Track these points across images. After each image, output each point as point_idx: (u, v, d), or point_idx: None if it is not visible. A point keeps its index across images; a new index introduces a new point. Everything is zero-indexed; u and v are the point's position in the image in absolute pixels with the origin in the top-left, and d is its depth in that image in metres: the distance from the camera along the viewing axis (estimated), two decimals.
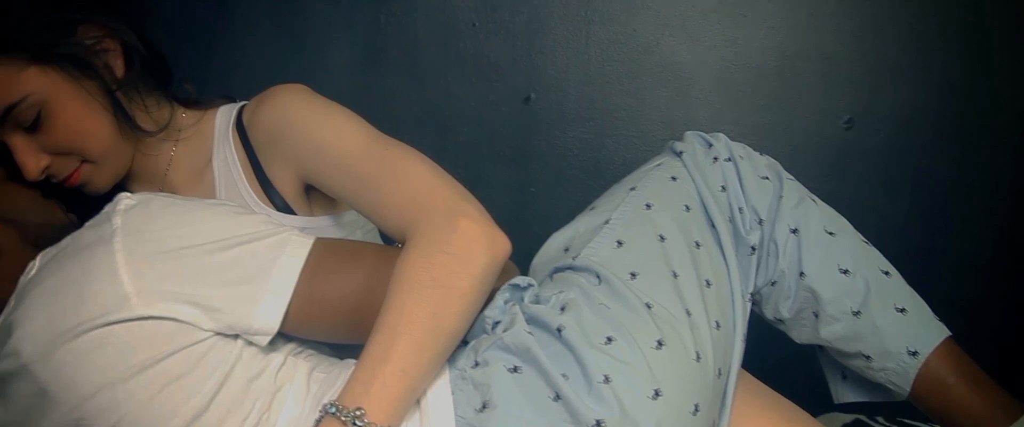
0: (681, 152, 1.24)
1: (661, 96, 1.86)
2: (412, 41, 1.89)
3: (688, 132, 1.28)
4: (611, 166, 1.87)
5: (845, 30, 1.86)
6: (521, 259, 1.74)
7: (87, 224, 0.99)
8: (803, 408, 1.16)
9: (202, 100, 1.29)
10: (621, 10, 1.85)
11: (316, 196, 1.23)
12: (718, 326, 1.07)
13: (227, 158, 1.22)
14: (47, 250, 1.00)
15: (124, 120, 1.15)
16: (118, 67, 1.15)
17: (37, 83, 1.07)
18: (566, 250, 1.17)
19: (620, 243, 1.12)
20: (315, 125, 1.12)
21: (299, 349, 1.05)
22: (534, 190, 1.89)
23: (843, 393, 1.31)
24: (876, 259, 1.22)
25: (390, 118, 1.90)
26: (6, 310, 0.97)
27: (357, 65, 1.92)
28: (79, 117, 1.12)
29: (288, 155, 1.16)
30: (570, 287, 1.06)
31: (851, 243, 1.21)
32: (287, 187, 1.19)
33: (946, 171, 1.88)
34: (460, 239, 0.99)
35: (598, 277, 1.06)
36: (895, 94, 1.86)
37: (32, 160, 1.11)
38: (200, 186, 1.24)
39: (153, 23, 1.93)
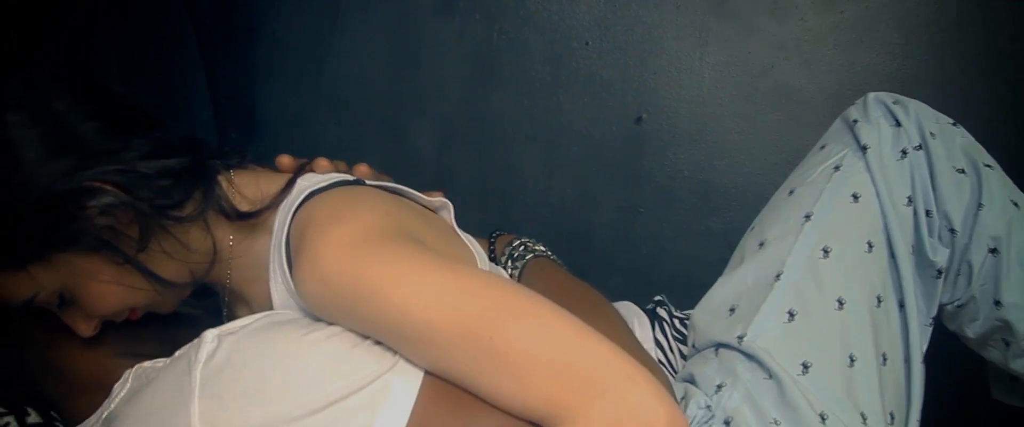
0: (866, 147, 1.10)
1: (774, 120, 1.84)
2: (524, 58, 1.90)
3: (871, 98, 1.15)
4: (721, 189, 1.85)
5: (964, 56, 1.82)
6: (629, 280, 1.74)
7: (176, 354, 0.92)
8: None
9: (251, 213, 1.05)
10: (736, 33, 1.83)
11: None
12: (892, 418, 1.00)
13: (286, 300, 1.02)
14: (139, 368, 0.97)
15: (154, 282, 1.01)
16: (131, 229, 0.98)
17: (42, 280, 0.96)
18: (731, 311, 1.07)
19: (792, 315, 1.02)
20: (387, 304, 0.85)
21: None
22: (643, 211, 1.88)
23: (1009, 396, 1.20)
24: None
25: (500, 135, 1.92)
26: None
27: (468, 81, 1.93)
28: (107, 288, 0.99)
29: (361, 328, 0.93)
30: (736, 383, 0.98)
31: None
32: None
33: None
34: None
35: (768, 373, 0.98)
36: (1014, 122, 1.82)
37: (80, 325, 1.02)
38: (268, 309, 1.06)
39: (266, 37, 1.98)
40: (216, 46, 1.96)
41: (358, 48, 1.96)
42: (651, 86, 1.87)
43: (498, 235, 1.29)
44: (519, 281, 1.19)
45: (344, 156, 1.96)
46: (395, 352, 0.89)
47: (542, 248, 1.23)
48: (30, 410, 1.05)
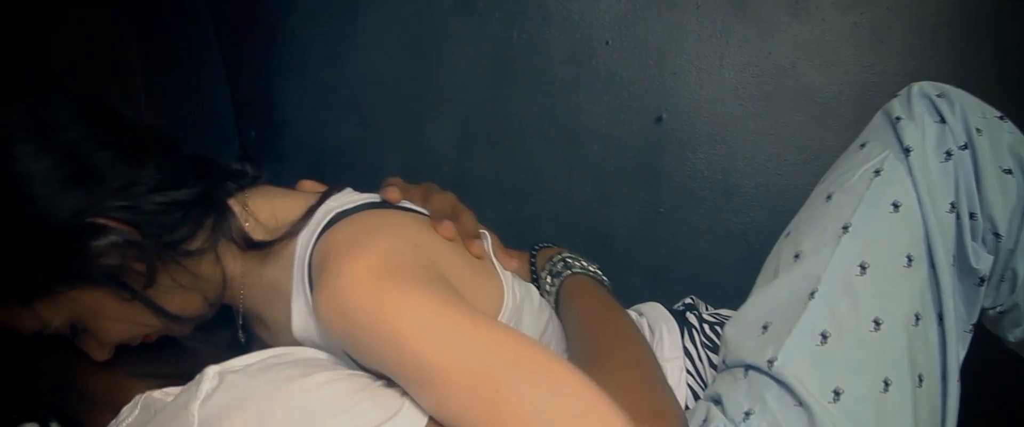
0: (909, 150, 1.05)
1: (795, 120, 1.83)
2: (544, 57, 1.89)
3: (915, 90, 1.09)
4: (742, 189, 1.85)
5: (984, 56, 1.81)
6: (648, 279, 1.73)
7: (181, 390, 0.90)
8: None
9: (265, 243, 1.03)
10: (757, 33, 1.83)
11: None
12: None
13: (306, 323, 1.01)
14: (149, 396, 0.94)
15: (162, 316, 0.99)
16: (139, 264, 0.96)
17: (48, 315, 0.95)
18: (764, 329, 1.04)
19: (825, 337, 0.99)
20: (401, 344, 0.83)
21: None
22: (663, 210, 1.88)
23: None
24: None
25: (518, 134, 1.92)
26: None
27: (488, 80, 1.93)
28: (117, 318, 0.98)
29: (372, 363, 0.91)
30: (764, 412, 0.96)
31: None
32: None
33: None
34: None
35: (798, 400, 0.96)
36: None
37: (94, 349, 1.02)
38: (287, 331, 1.04)
39: (286, 35, 1.98)
40: (236, 43, 1.97)
41: (377, 46, 1.96)
42: (671, 86, 1.86)
43: (540, 248, 1.27)
44: (556, 299, 1.17)
45: (362, 154, 1.96)
46: (398, 402, 0.86)
47: (583, 264, 1.20)
48: (53, 423, 1.04)
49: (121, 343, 1.03)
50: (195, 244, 1.00)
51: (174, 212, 0.97)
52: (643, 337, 1.07)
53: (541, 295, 1.20)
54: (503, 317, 1.08)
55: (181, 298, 1.01)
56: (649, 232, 1.88)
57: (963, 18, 1.81)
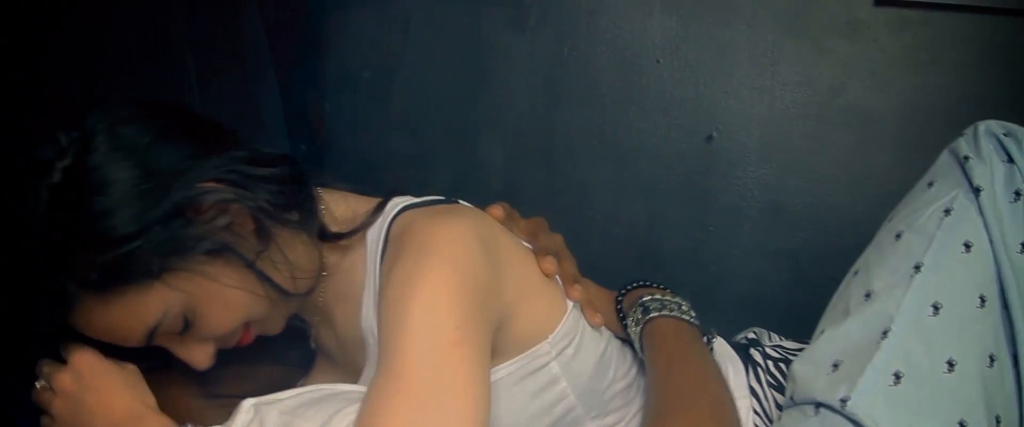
0: (979, 190, 1.03)
1: (845, 140, 1.83)
2: (594, 75, 1.90)
3: (982, 129, 1.08)
4: (791, 209, 1.85)
5: None
6: (696, 297, 1.72)
7: None
8: None
9: (344, 234, 1.09)
10: (808, 52, 1.83)
11: None
12: None
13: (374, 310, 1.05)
14: None
15: (271, 287, 1.02)
16: (247, 231, 1.00)
17: (170, 295, 0.96)
18: (835, 367, 1.02)
19: (898, 378, 0.97)
20: (405, 320, 0.89)
21: None
22: (712, 229, 1.88)
23: None
24: None
25: (568, 151, 1.93)
26: None
27: (538, 96, 1.94)
28: (228, 301, 1.01)
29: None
30: None
31: None
32: None
33: None
34: None
35: None
36: None
37: (198, 354, 1.04)
38: (354, 327, 1.10)
39: (337, 50, 2.00)
40: (289, 61, 1.99)
41: (428, 61, 1.97)
42: (722, 105, 1.87)
43: (628, 290, 1.25)
44: (640, 344, 1.16)
45: (412, 169, 1.98)
46: None
47: (664, 300, 1.19)
48: None
49: (223, 339, 1.05)
50: (294, 217, 1.04)
51: (272, 184, 1.01)
52: (720, 385, 1.06)
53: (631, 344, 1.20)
54: (561, 330, 1.10)
55: (281, 280, 1.04)
56: (698, 251, 1.88)
57: (1015, 39, 1.80)
